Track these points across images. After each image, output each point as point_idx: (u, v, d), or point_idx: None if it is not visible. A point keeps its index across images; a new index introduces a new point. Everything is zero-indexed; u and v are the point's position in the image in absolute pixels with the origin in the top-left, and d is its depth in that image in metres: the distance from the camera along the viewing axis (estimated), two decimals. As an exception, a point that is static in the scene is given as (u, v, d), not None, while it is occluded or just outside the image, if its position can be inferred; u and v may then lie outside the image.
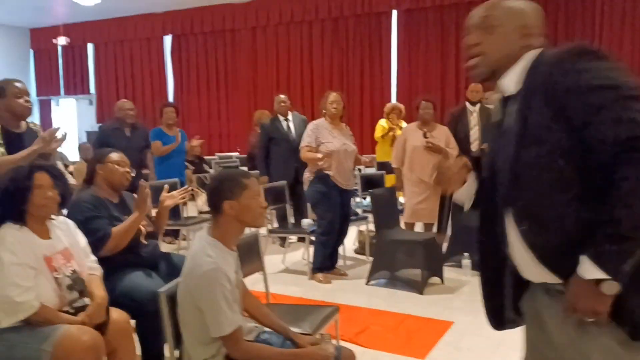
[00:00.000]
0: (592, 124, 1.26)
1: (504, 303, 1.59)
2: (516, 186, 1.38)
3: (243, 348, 1.88)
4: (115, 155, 2.89)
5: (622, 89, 1.26)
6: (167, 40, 11.22)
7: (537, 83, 1.36)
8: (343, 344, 2.91)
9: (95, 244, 2.60)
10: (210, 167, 8.26)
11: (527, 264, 1.42)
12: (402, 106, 7.43)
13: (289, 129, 5.56)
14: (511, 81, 1.45)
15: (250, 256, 2.81)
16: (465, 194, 1.67)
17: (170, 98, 11.24)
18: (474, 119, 5.81)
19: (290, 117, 5.63)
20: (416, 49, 9.25)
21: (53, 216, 2.38)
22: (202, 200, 5.95)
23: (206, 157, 8.85)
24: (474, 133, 5.75)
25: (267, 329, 2.17)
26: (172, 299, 1.98)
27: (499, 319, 1.62)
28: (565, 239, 1.31)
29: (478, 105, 5.85)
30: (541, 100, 1.34)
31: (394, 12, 9.41)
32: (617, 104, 1.24)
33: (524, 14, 1.49)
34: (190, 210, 6.27)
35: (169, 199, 3.02)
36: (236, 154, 10.12)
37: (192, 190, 6.01)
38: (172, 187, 5.15)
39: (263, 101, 10.29)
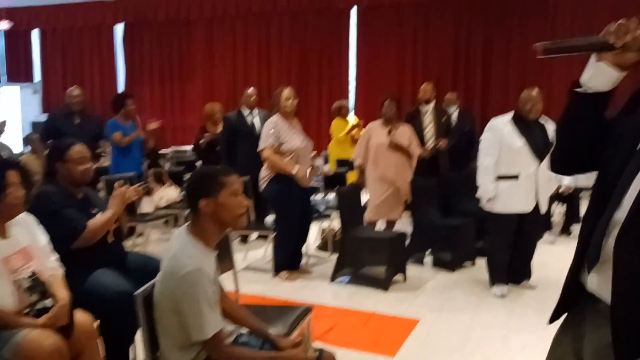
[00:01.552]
0: None
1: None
2: None
3: (224, 351, 1.81)
4: (75, 152, 2.68)
5: None
6: (119, 28, 10.81)
7: None
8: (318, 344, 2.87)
9: (70, 234, 2.50)
10: (166, 161, 8.01)
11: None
12: (346, 103, 7.67)
13: (253, 124, 5.45)
14: None
15: (220, 254, 2.72)
16: (602, 79, 1.29)
17: (121, 88, 10.85)
18: (427, 119, 5.93)
19: (255, 111, 5.52)
20: (375, 46, 9.30)
21: (14, 214, 2.23)
22: (158, 195, 5.76)
23: (161, 152, 8.59)
24: (429, 132, 5.87)
25: (244, 331, 2.10)
26: (148, 301, 1.87)
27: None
28: None
29: (431, 104, 5.98)
30: None
31: (354, 9, 9.43)
32: None
33: None
34: (146, 206, 6.06)
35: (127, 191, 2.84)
36: (190, 147, 9.87)
37: (147, 185, 5.82)
38: (134, 180, 5.04)
39: (219, 94, 10.10)
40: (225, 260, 2.78)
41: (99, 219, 2.63)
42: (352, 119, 7.56)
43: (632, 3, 6.56)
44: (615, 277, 1.18)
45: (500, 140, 3.97)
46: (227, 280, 2.89)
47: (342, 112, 7.47)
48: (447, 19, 8.67)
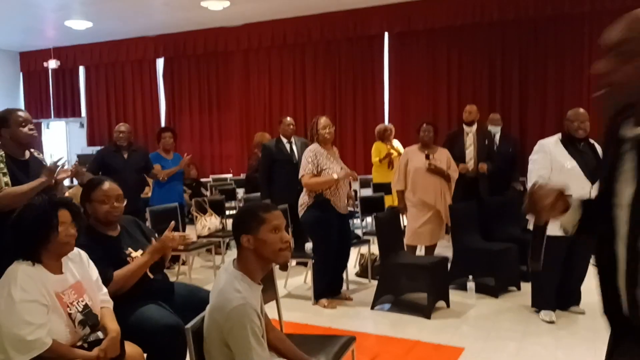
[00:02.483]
0: None
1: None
2: None
3: (271, 384, 1.83)
4: (100, 190, 2.70)
5: None
6: (159, 62, 11.20)
7: None
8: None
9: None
10: (207, 190, 8.18)
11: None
12: (392, 126, 7.63)
13: (292, 151, 5.54)
14: None
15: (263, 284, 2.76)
16: (568, 221, 1.48)
17: (162, 120, 11.19)
18: (469, 140, 5.89)
19: (293, 139, 5.61)
20: (408, 72, 9.33)
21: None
22: (201, 224, 5.88)
23: (202, 180, 8.78)
24: (469, 153, 5.83)
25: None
26: (198, 334, 1.92)
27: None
28: None
29: (474, 126, 5.93)
30: None
31: (386, 35, 9.52)
32: None
33: None
34: (190, 234, 6.18)
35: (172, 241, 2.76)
36: (230, 175, 10.06)
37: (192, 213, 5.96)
38: (173, 211, 5.18)
39: (255, 123, 10.30)
40: (268, 290, 2.81)
41: (125, 269, 2.60)
42: (397, 143, 7.54)
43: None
44: None
45: (552, 161, 3.86)
46: (270, 309, 2.93)
47: (386, 135, 7.43)
48: (480, 42, 8.64)
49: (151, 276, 2.73)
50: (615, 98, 1.24)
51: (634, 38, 1.18)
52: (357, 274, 5.48)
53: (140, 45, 10.92)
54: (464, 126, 5.99)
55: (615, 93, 1.23)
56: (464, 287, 4.84)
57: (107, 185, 2.76)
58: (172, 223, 2.83)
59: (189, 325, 1.89)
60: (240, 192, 7.83)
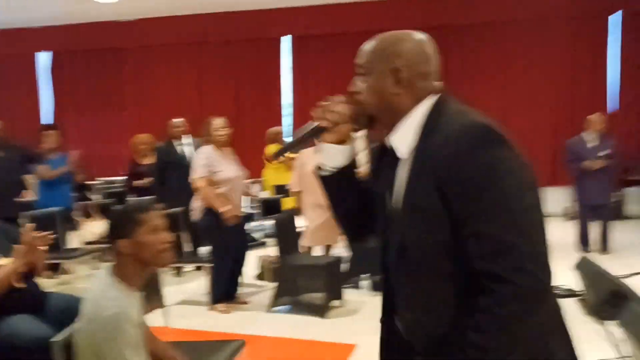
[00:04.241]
0: (466, 226, 1.12)
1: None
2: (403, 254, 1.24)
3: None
4: None
5: (511, 197, 1.10)
6: (44, 56, 10.41)
7: (427, 159, 1.17)
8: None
9: None
10: (96, 193, 7.71)
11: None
12: (281, 129, 7.76)
13: (184, 153, 5.36)
14: (402, 143, 1.25)
15: (148, 292, 2.63)
16: (335, 159, 1.39)
17: (45, 118, 10.40)
18: (360, 145, 6.05)
19: (185, 140, 5.44)
20: (310, 74, 9.44)
21: None
22: (85, 229, 5.52)
23: (89, 183, 8.26)
24: (361, 157, 5.98)
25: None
26: (67, 347, 1.77)
27: None
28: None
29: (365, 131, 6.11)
30: (430, 184, 1.15)
31: (287, 38, 9.55)
32: (495, 214, 1.10)
33: (399, 52, 1.24)
34: (73, 241, 5.78)
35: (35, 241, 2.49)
36: (120, 178, 9.56)
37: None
38: (54, 216, 4.80)
39: (150, 123, 9.87)
40: (154, 297, 2.69)
41: None
42: None
43: None
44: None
45: None
46: (157, 318, 2.80)
47: (279, 139, 7.50)
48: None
49: (19, 285, 2.50)
50: (363, 114, 1.31)
51: (369, 59, 1.27)
52: (256, 277, 5.42)
53: (21, 36, 10.08)
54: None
55: (361, 110, 1.31)
56: (358, 286, 4.96)
57: None
58: (31, 225, 2.56)
59: (55, 338, 1.74)
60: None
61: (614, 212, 6.91)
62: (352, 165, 1.40)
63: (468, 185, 1.10)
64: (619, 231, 6.59)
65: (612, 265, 4.93)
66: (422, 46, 1.26)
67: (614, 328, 3.50)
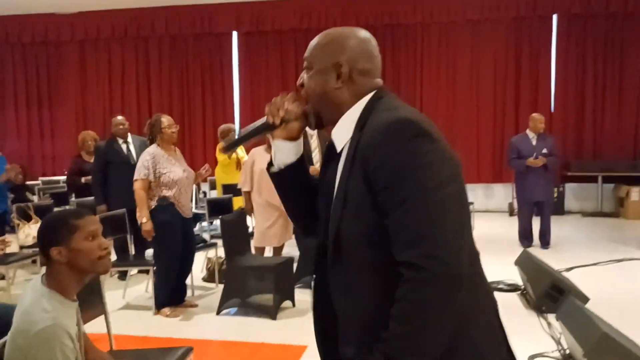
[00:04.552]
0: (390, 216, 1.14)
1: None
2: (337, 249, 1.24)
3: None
4: None
5: (430, 188, 1.12)
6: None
7: (357, 153, 1.20)
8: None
9: None
10: (34, 194, 7.35)
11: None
12: (233, 126, 7.58)
13: (129, 152, 5.18)
14: (339, 137, 1.28)
15: (88, 298, 2.50)
16: (284, 154, 1.39)
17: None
18: (314, 143, 6.03)
19: (129, 139, 5.25)
20: (257, 71, 9.34)
21: None
22: (24, 232, 5.24)
23: (29, 183, 7.87)
24: (315, 155, 5.97)
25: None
26: (-4, 363, 1.65)
27: None
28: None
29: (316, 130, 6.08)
30: (359, 176, 1.19)
31: (235, 34, 9.42)
32: (417, 203, 1.12)
33: (343, 48, 1.27)
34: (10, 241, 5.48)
35: None
36: (63, 177, 9.18)
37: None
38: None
39: (93, 120, 9.54)
40: (94, 304, 2.56)
41: None
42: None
43: None
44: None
45: None
46: (99, 325, 2.67)
47: (231, 136, 7.35)
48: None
49: None
50: (312, 111, 1.33)
51: (312, 54, 1.31)
52: (204, 279, 5.31)
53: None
54: (307, 129, 6.10)
55: (310, 107, 1.34)
56: (310, 286, 4.94)
57: None
58: None
59: (-18, 355, 1.62)
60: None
61: (555, 208, 7.20)
62: (302, 161, 1.41)
63: (389, 177, 1.13)
64: (559, 226, 6.87)
65: (552, 259, 5.16)
66: (365, 43, 1.30)
67: (553, 321, 3.64)
